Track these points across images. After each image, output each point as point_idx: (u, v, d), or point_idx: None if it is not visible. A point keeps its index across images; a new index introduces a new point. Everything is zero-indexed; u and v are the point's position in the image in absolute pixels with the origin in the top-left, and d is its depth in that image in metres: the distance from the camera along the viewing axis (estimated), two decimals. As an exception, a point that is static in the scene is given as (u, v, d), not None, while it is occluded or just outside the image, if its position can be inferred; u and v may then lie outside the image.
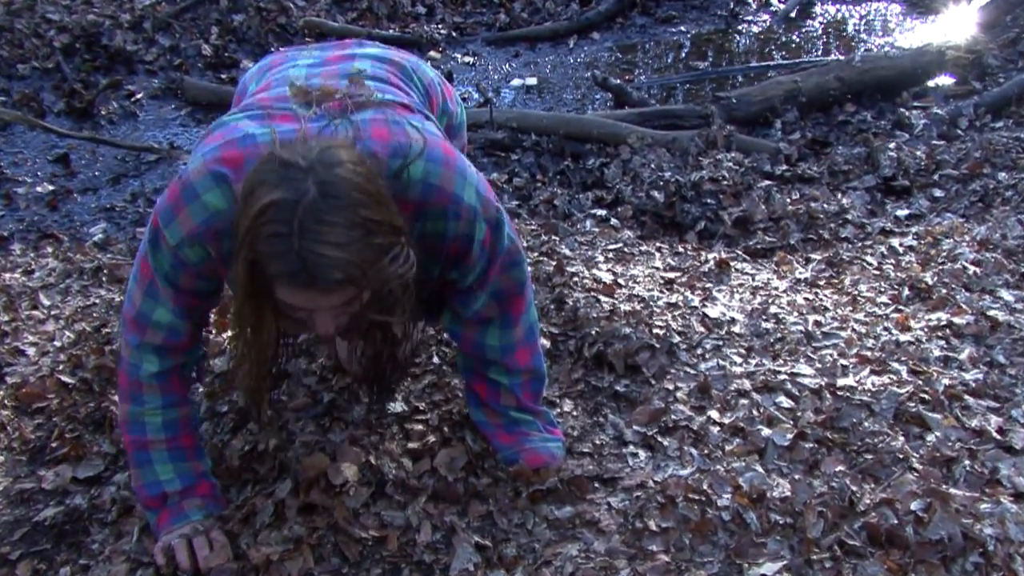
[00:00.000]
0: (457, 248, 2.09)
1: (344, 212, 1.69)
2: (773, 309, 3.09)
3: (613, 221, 4.11)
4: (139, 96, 6.55)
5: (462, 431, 2.47)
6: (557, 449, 2.40)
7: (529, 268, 2.39)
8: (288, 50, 2.43)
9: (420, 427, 2.49)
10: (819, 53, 7.22)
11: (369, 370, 2.23)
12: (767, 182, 4.51)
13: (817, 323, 2.99)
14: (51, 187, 5.20)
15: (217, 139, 1.95)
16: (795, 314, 3.06)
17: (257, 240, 1.70)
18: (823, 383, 2.63)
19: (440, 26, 8.01)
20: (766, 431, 2.44)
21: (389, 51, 2.38)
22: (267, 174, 1.72)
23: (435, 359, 2.79)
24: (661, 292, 3.21)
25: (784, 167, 4.75)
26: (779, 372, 2.69)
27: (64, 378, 2.82)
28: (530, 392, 2.41)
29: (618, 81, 6.36)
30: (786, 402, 2.57)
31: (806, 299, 3.20)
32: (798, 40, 7.59)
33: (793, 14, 8.16)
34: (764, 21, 8.09)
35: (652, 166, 4.69)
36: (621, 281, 3.26)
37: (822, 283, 3.39)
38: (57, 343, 3.06)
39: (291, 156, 1.72)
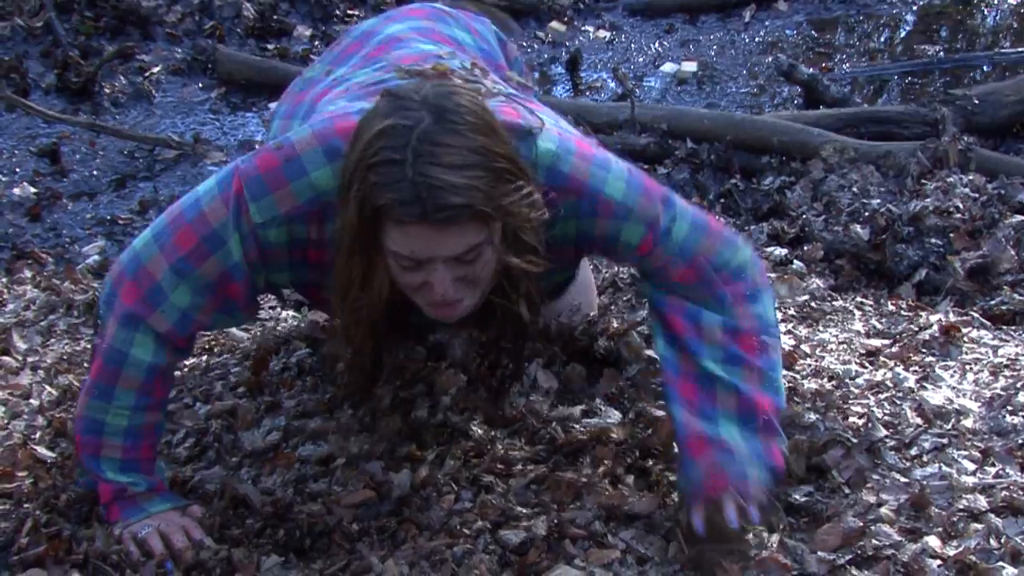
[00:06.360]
0: (602, 248, 2.40)
1: (462, 136, 2.04)
2: (1022, 398, 3.04)
3: (797, 264, 4.11)
4: (156, 70, 6.73)
5: (584, 546, 2.47)
6: (758, 470, 2.34)
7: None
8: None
9: (522, 536, 2.50)
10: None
11: (488, 354, 2.67)
12: (1019, 218, 4.45)
13: (1086, 420, 2.94)
14: (33, 189, 5.34)
15: (327, 116, 2.32)
16: (1054, 406, 3.01)
17: (368, 170, 2.03)
18: (1092, 506, 2.59)
19: (566, -12, 8.07)
20: (1009, 570, 2.41)
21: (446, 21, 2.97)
22: (379, 107, 2.10)
23: (541, 445, 2.80)
24: (861, 366, 3.19)
25: (1044, 197, 4.70)
26: (1029, 487, 2.66)
27: (41, 450, 2.87)
28: (762, 394, 2.39)
29: (810, 70, 6.36)
30: (1038, 530, 2.53)
31: (1071, 385, 3.15)
32: (1071, 19, 7.50)
33: (1065, -19, 8.07)
34: (1022, -9, 8.01)
35: (854, 190, 4.67)
36: (806, 348, 3.26)
37: (1094, 364, 3.34)
38: (34, 402, 3.15)
39: (404, 91, 2.11)
